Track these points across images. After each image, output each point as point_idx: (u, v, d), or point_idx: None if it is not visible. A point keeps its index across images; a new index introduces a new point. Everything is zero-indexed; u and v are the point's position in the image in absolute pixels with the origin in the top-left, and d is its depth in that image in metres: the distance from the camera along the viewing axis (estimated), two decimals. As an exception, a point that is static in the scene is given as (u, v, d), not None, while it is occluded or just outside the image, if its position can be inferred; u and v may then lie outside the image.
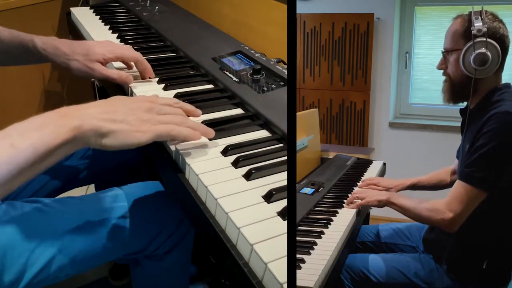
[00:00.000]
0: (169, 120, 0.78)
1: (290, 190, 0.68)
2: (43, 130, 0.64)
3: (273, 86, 1.03)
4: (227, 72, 1.11)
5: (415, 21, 2.55)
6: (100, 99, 0.79)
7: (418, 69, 2.60)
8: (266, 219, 0.68)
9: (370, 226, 1.46)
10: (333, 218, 1.07)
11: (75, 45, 1.02)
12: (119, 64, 1.12)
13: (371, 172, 1.53)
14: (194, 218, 0.83)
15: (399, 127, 2.62)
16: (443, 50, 1.13)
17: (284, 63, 1.18)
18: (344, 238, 0.98)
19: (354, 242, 1.08)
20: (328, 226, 1.02)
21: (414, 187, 1.43)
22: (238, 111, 0.99)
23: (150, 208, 0.97)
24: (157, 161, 0.93)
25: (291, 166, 0.68)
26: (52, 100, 2.31)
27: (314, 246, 0.91)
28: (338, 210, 1.12)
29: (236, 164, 0.79)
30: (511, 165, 1.00)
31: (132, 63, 1.10)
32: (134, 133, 0.73)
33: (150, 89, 1.03)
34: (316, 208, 1.14)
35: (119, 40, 1.33)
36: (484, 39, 1.03)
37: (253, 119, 0.96)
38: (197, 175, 0.76)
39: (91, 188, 1.50)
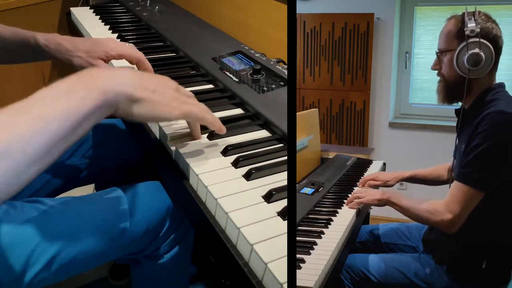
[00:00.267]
0: (194, 103, 0.79)
1: (290, 190, 0.68)
2: (72, 95, 0.59)
3: (273, 86, 1.03)
4: (227, 72, 1.11)
5: (415, 21, 2.55)
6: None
7: (418, 69, 2.60)
8: (266, 219, 0.68)
9: (370, 226, 1.46)
10: (333, 218, 1.07)
11: (78, 42, 1.02)
12: (119, 62, 1.11)
13: (371, 172, 1.53)
14: (194, 218, 0.84)
15: (399, 127, 2.62)
16: (437, 51, 1.13)
17: (284, 63, 1.18)
18: (344, 238, 0.98)
19: (354, 242, 1.08)
20: (328, 226, 1.02)
21: (412, 179, 1.43)
22: (238, 111, 0.99)
23: (150, 208, 0.97)
24: (157, 161, 0.93)
25: (291, 166, 0.68)
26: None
27: (314, 246, 0.91)
28: (338, 210, 1.12)
29: (236, 164, 0.79)
30: (506, 164, 1.00)
31: (134, 64, 1.10)
32: (165, 107, 0.72)
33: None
34: (316, 208, 1.14)
35: (119, 40, 1.33)
36: (478, 39, 1.04)
37: (253, 119, 0.96)
38: (197, 175, 0.76)
39: (91, 188, 1.50)
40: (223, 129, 0.84)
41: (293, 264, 0.59)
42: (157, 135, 0.91)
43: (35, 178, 0.56)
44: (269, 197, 0.71)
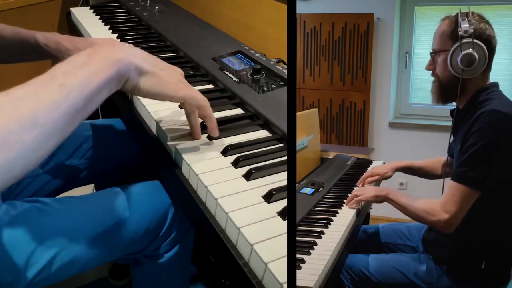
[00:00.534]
0: (198, 92, 0.83)
1: (290, 190, 0.68)
2: (88, 66, 0.63)
3: (273, 86, 1.03)
4: (227, 72, 1.11)
5: (415, 21, 2.55)
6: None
7: (418, 69, 2.60)
8: (266, 219, 0.68)
9: (370, 226, 1.46)
10: (333, 218, 1.07)
11: (77, 41, 1.02)
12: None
13: (371, 172, 1.53)
14: (194, 218, 0.83)
15: (399, 127, 2.62)
16: (431, 51, 1.13)
17: (284, 63, 1.18)
18: (344, 238, 0.98)
19: (354, 242, 1.08)
20: (328, 226, 1.02)
21: (408, 169, 1.45)
22: (238, 111, 0.99)
23: (150, 208, 0.97)
24: (157, 161, 0.93)
25: (291, 166, 0.68)
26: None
27: (314, 246, 0.91)
28: (338, 210, 1.12)
29: (236, 164, 0.79)
30: (500, 163, 1.01)
31: None
32: (171, 85, 0.76)
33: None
34: (316, 208, 1.14)
35: (119, 40, 1.33)
36: (471, 40, 1.04)
37: (253, 119, 0.96)
38: (197, 175, 0.76)
39: (91, 188, 1.50)
40: (216, 131, 0.85)
41: (293, 264, 0.59)
42: (157, 135, 0.91)
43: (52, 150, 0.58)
44: (269, 197, 0.71)
